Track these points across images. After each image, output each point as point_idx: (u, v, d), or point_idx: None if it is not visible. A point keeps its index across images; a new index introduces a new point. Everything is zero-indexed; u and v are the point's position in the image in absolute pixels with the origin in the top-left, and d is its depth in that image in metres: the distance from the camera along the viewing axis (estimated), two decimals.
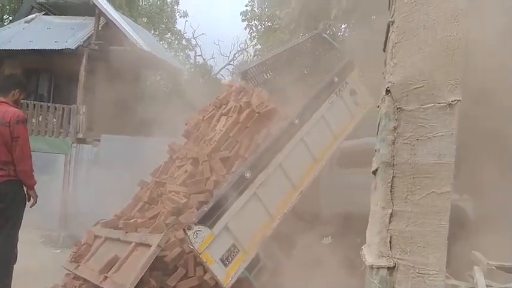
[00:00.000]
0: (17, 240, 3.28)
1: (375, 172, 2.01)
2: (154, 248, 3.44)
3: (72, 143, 10.69)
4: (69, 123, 11.11)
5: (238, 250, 3.85)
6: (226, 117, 5.55)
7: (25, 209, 3.35)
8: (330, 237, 4.60)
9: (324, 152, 4.79)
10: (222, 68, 21.79)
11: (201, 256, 3.56)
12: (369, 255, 1.89)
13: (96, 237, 4.97)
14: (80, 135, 10.83)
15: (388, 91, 1.88)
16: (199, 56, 22.59)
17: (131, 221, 4.53)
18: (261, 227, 4.07)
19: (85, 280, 4.13)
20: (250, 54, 19.31)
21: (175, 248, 3.94)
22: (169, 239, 3.78)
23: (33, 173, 3.38)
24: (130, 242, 3.98)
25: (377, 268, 1.80)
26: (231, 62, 21.91)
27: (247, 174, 3.99)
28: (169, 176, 5.43)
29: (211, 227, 3.65)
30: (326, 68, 5.81)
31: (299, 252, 4.33)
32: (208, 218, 3.65)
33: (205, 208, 3.66)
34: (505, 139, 5.02)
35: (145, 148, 9.70)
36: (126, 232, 4.30)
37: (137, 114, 12.36)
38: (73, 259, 4.72)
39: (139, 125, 11.49)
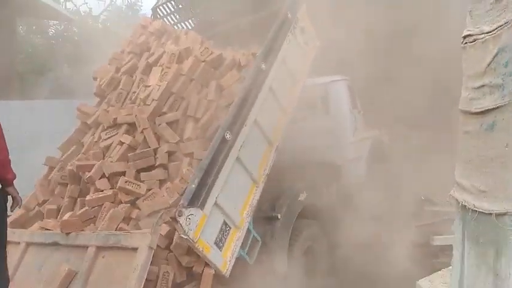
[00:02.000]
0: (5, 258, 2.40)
1: (483, 112, 1.67)
2: (146, 252, 2.50)
3: None
4: None
5: (230, 227, 3.19)
6: (160, 67, 4.45)
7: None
8: (304, 192, 4.23)
9: (290, 100, 4.27)
10: (101, 13, 18.40)
11: (196, 245, 2.79)
12: (491, 203, 1.63)
13: (7, 243, 3.59)
14: None
15: None
16: (68, 1, 18.53)
17: (66, 217, 3.33)
18: (247, 195, 3.44)
19: None
20: None
21: None
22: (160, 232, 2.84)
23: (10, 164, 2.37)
24: (85, 247, 2.91)
25: None
26: (109, 8, 18.65)
27: (227, 136, 3.24)
28: (90, 149, 4.22)
29: (202, 207, 2.88)
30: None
31: (282, 216, 3.88)
32: (198, 197, 2.86)
33: (193, 185, 2.83)
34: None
35: (34, 113, 7.61)
36: (68, 234, 3.14)
37: (19, 73, 9.54)
38: None
39: (21, 85, 8.97)
